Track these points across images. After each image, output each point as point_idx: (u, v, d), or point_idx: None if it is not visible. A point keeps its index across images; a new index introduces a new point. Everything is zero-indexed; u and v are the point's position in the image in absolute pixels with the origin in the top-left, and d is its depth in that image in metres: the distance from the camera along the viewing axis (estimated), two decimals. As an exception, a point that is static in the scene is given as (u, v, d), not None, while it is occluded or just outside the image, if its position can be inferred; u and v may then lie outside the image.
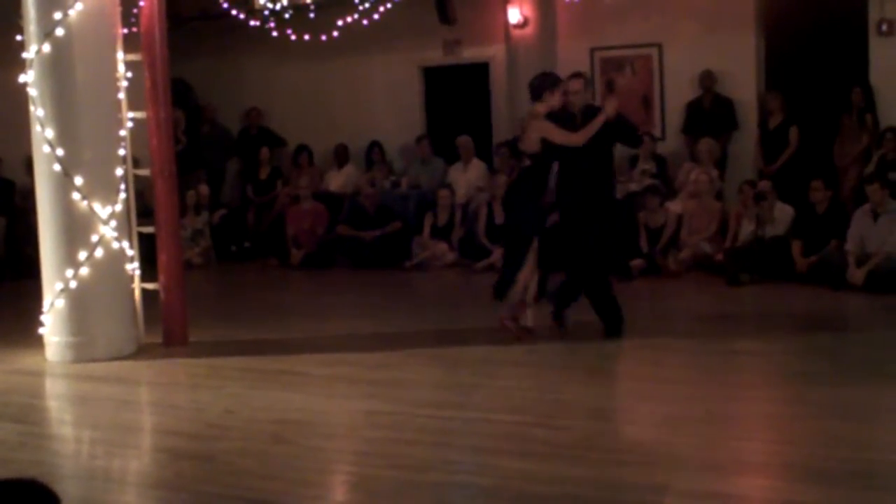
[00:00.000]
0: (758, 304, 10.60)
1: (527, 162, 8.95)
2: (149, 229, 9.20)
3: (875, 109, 12.89)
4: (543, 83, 8.95)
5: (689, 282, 11.69)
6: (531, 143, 8.85)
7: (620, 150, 14.10)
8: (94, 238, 8.65)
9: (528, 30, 14.71)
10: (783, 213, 11.73)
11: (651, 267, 11.97)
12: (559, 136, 8.75)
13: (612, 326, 8.92)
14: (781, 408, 6.96)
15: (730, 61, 13.90)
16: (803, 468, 5.63)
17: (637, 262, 11.97)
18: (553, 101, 8.85)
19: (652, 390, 7.36)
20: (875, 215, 10.76)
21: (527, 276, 8.86)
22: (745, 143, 13.82)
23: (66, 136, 8.56)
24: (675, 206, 12.70)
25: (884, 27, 13.00)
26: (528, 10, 14.65)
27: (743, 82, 13.96)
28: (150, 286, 9.18)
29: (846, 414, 6.54)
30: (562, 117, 8.85)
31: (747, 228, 11.81)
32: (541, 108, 8.86)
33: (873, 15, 13.08)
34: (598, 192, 8.85)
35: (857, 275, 10.50)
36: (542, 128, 8.80)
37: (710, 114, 13.83)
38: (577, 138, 8.69)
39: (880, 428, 6.42)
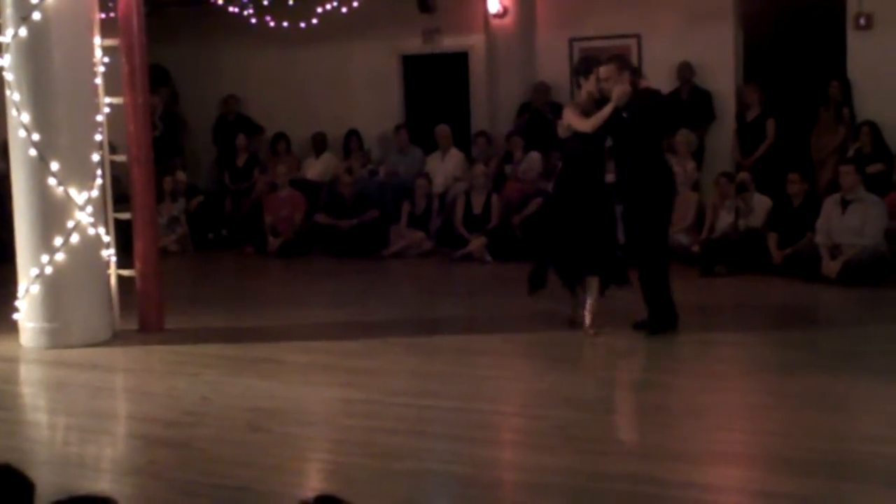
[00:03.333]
0: (733, 295, 10.62)
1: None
2: (125, 215, 9.16)
3: (852, 103, 12.92)
4: (579, 70, 8.91)
5: (665, 273, 11.70)
6: (561, 128, 8.77)
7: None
8: (70, 224, 8.60)
9: (508, 19, 14.70)
10: (760, 204, 11.76)
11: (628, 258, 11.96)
12: (575, 121, 8.58)
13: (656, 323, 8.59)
14: (758, 398, 6.99)
15: (708, 53, 13.92)
16: (780, 458, 5.66)
17: (614, 253, 11.96)
18: (588, 86, 8.72)
19: (628, 380, 7.39)
20: (844, 204, 10.78)
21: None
22: (723, 135, 13.84)
23: (42, 120, 8.50)
24: (652, 198, 12.70)
25: (862, 21, 13.03)
26: (508, 0, 14.64)
27: (721, 74, 13.98)
28: (126, 273, 9.14)
29: (822, 405, 6.58)
30: (599, 104, 8.59)
31: (724, 220, 11.84)
32: (581, 95, 8.79)
33: (851, 8, 13.11)
34: (637, 179, 8.52)
35: (831, 267, 10.54)
36: (567, 113, 8.73)
37: (688, 105, 13.84)
38: (586, 125, 8.47)
39: (856, 418, 6.46)
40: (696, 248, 11.83)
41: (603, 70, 8.65)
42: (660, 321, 8.54)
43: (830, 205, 10.92)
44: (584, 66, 8.94)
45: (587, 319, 8.59)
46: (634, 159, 8.54)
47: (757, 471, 5.60)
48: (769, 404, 6.79)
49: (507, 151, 14.22)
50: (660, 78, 13.99)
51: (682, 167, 12.73)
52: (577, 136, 8.56)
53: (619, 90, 8.49)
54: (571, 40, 14.65)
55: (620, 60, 8.86)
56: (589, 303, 8.60)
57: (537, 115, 14.37)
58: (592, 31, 14.44)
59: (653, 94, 8.85)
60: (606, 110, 8.43)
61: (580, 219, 8.57)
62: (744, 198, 11.75)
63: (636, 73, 9.02)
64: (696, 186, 12.98)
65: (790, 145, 13.10)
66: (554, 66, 14.67)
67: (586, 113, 8.57)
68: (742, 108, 13.59)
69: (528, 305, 9.03)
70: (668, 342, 8.39)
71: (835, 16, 13.26)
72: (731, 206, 11.82)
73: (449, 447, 6.01)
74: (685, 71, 13.89)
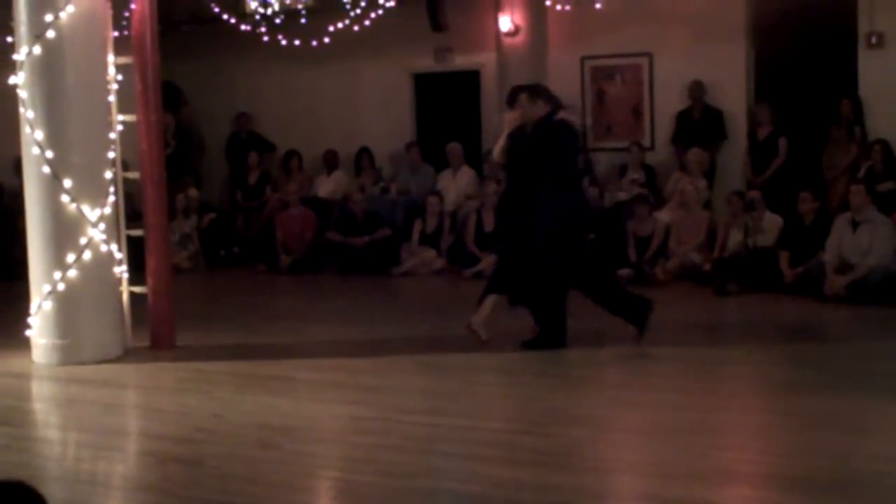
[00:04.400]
0: (745, 314, 10.62)
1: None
2: (137, 233, 9.19)
3: (864, 121, 12.93)
4: (508, 100, 9.12)
5: (676, 291, 11.70)
6: (497, 155, 9.11)
7: (612, 158, 14.29)
8: (83, 241, 8.63)
9: (520, 38, 14.73)
10: (772, 223, 11.77)
11: (639, 276, 11.98)
12: (495, 149, 9.09)
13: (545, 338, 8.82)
14: (767, 418, 6.98)
15: (720, 72, 13.94)
16: (789, 478, 5.64)
17: (625, 272, 11.97)
18: (513, 115, 8.95)
19: (639, 399, 7.37)
20: (854, 224, 10.78)
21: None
22: (734, 153, 13.85)
23: (55, 138, 8.54)
24: (663, 216, 12.73)
25: (873, 39, 13.05)
26: (520, 19, 14.67)
27: (733, 93, 14.00)
28: (137, 289, 9.17)
29: (832, 424, 6.56)
30: (521, 131, 8.90)
31: (735, 238, 11.84)
32: (508, 118, 9.01)
33: (863, 27, 13.13)
34: (543, 206, 8.70)
35: (835, 283, 10.52)
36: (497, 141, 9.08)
37: (700, 124, 13.86)
38: (495, 153, 8.98)
39: (866, 438, 6.43)
40: (707, 267, 11.82)
41: (520, 98, 8.93)
42: (551, 338, 8.72)
43: (841, 223, 10.91)
44: (510, 95, 9.10)
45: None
46: (542, 186, 8.71)
47: (766, 490, 5.58)
48: (779, 423, 6.78)
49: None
50: (671, 96, 14.09)
51: (693, 186, 12.75)
52: (520, 164, 8.89)
53: (507, 117, 8.92)
54: (583, 59, 14.70)
55: (533, 89, 9.07)
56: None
57: (561, 128, 14.37)
58: (604, 50, 14.49)
59: (553, 124, 8.89)
60: (501, 139, 8.85)
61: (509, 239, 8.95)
62: (753, 216, 11.75)
63: (554, 102, 9.13)
64: (707, 205, 12.99)
65: (802, 164, 13.11)
66: (566, 85, 14.66)
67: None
68: (753, 126, 13.61)
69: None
70: (679, 362, 8.39)
71: (846, 34, 13.27)
72: (742, 225, 11.82)
73: (459, 465, 6.00)
74: (696, 89, 13.91)
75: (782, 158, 13.13)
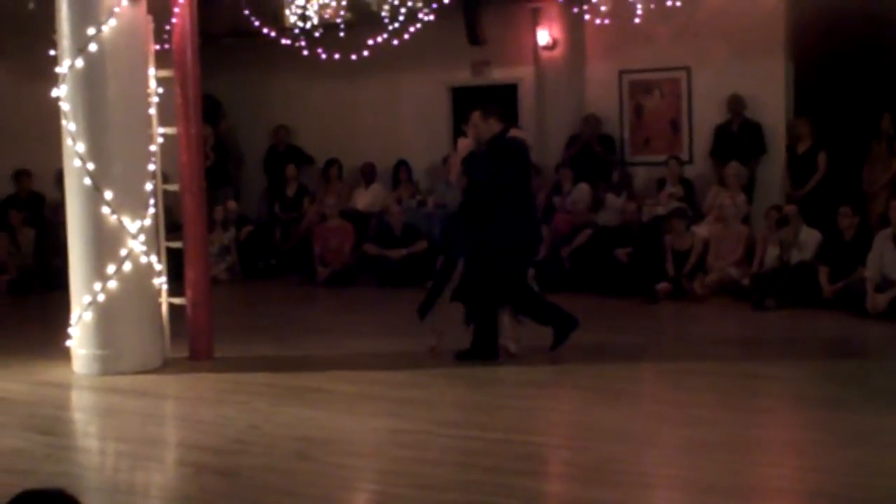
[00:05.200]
0: (783, 329, 10.56)
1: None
2: (177, 244, 9.26)
3: (904, 136, 12.85)
4: (466, 119, 9.21)
5: (714, 306, 11.66)
6: (453, 179, 9.34)
7: (650, 172, 14.27)
8: (123, 252, 8.70)
9: (557, 51, 14.75)
10: (810, 238, 11.69)
11: (677, 290, 11.95)
12: (452, 171, 9.25)
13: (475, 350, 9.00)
14: (804, 434, 6.94)
15: (759, 86, 13.88)
16: (827, 495, 5.61)
17: (663, 286, 11.95)
18: (465, 142, 9.05)
19: (675, 414, 7.35)
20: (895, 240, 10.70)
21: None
22: (774, 167, 13.79)
23: (96, 150, 8.62)
24: (701, 230, 12.68)
25: (914, 53, 12.98)
26: (558, 32, 14.69)
27: (772, 107, 13.93)
28: (177, 301, 9.24)
29: (870, 441, 6.51)
30: (476, 151, 8.98)
31: (773, 253, 11.78)
32: (461, 144, 9.08)
33: (904, 41, 13.07)
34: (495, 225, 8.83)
35: (877, 301, 10.45)
36: (452, 162, 9.18)
37: (739, 138, 13.81)
38: (451, 177, 9.16)
39: (905, 456, 6.39)
40: (746, 282, 11.77)
41: (471, 117, 9.03)
42: (481, 351, 8.90)
43: (882, 239, 10.83)
44: (467, 115, 9.19)
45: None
46: (496, 207, 8.80)
47: (804, 507, 5.56)
48: (816, 440, 6.74)
49: (555, 183, 14.24)
50: (710, 110, 14.06)
51: (732, 200, 12.70)
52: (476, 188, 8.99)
53: (460, 143, 9.05)
54: (621, 72, 14.68)
55: (486, 108, 9.10)
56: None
57: (586, 147, 14.39)
58: (642, 64, 14.47)
59: (506, 142, 8.94)
60: (454, 160, 9.02)
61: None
62: (786, 232, 11.68)
63: (506, 120, 9.20)
64: (746, 219, 12.93)
65: (841, 178, 13.03)
66: (603, 99, 14.71)
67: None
68: (793, 140, 13.54)
69: (574, 337, 9.02)
70: (716, 377, 8.35)
71: (887, 49, 13.19)
72: (778, 240, 11.75)
73: (495, 479, 6.00)
74: (735, 103, 13.86)
75: (822, 173, 13.05)
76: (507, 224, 8.78)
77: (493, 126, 8.93)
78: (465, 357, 8.91)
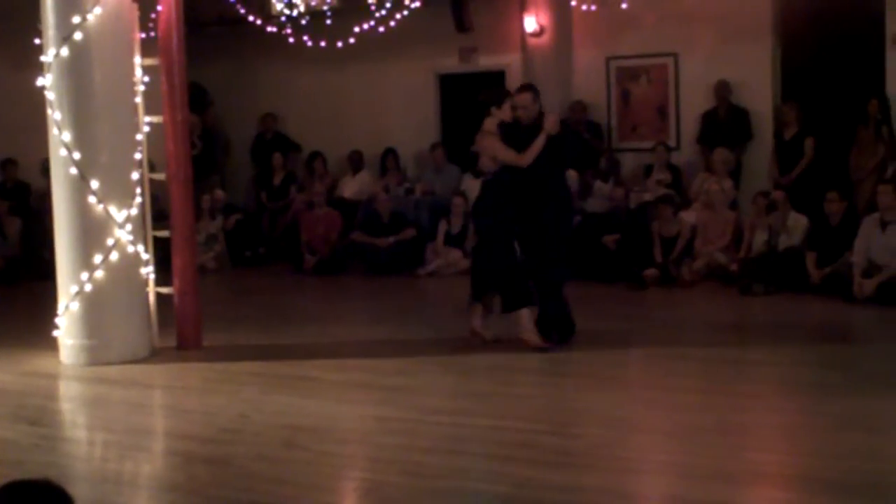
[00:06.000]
0: (771, 314, 10.58)
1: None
2: (164, 233, 9.23)
3: (891, 121, 12.84)
4: (489, 99, 8.98)
5: (702, 292, 11.68)
6: (486, 163, 8.93)
7: (637, 159, 14.27)
8: (110, 241, 8.67)
9: (545, 38, 14.71)
10: (798, 223, 11.71)
11: (665, 276, 11.95)
12: (506, 156, 8.76)
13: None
14: (793, 418, 6.95)
15: (746, 72, 13.88)
16: (816, 479, 5.62)
17: (651, 272, 11.95)
18: (502, 115, 8.86)
19: (664, 399, 7.36)
20: (883, 224, 10.72)
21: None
22: (761, 153, 13.79)
23: (82, 139, 8.59)
24: (689, 216, 12.69)
25: (901, 39, 12.98)
26: (545, 19, 14.66)
27: (759, 93, 13.94)
28: (164, 290, 9.21)
29: (859, 425, 6.53)
30: (511, 131, 8.82)
31: (761, 239, 11.80)
32: (489, 124, 8.87)
33: (890, 26, 13.05)
34: (547, 208, 8.83)
35: (864, 286, 10.47)
36: (491, 146, 8.82)
37: (726, 124, 13.81)
38: (523, 160, 8.69)
39: (894, 439, 6.40)
40: (733, 267, 11.79)
41: (521, 97, 8.92)
42: (566, 329, 8.97)
43: (869, 224, 10.85)
44: (494, 96, 9.05)
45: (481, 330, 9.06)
46: (552, 184, 8.87)
47: (793, 492, 5.57)
48: (805, 424, 6.76)
49: (543, 170, 14.21)
50: (697, 96, 14.06)
51: (719, 186, 12.71)
52: (507, 167, 8.77)
53: (551, 119, 8.81)
54: (608, 59, 14.68)
55: (535, 89, 9.10)
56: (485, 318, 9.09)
57: (574, 133, 14.36)
58: (629, 50, 14.47)
59: (567, 129, 9.26)
60: (540, 142, 8.68)
61: (501, 244, 8.85)
62: (774, 217, 11.69)
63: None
64: (733, 205, 12.94)
65: (828, 164, 13.04)
66: (591, 85, 14.69)
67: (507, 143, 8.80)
68: (780, 126, 13.54)
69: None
70: (705, 362, 8.37)
71: (873, 34, 13.20)
72: (766, 225, 11.77)
73: (485, 466, 6.01)
74: (722, 89, 13.86)
75: (809, 158, 13.06)
76: (565, 205, 9.02)
77: (538, 107, 9.00)
78: (558, 343, 8.80)
